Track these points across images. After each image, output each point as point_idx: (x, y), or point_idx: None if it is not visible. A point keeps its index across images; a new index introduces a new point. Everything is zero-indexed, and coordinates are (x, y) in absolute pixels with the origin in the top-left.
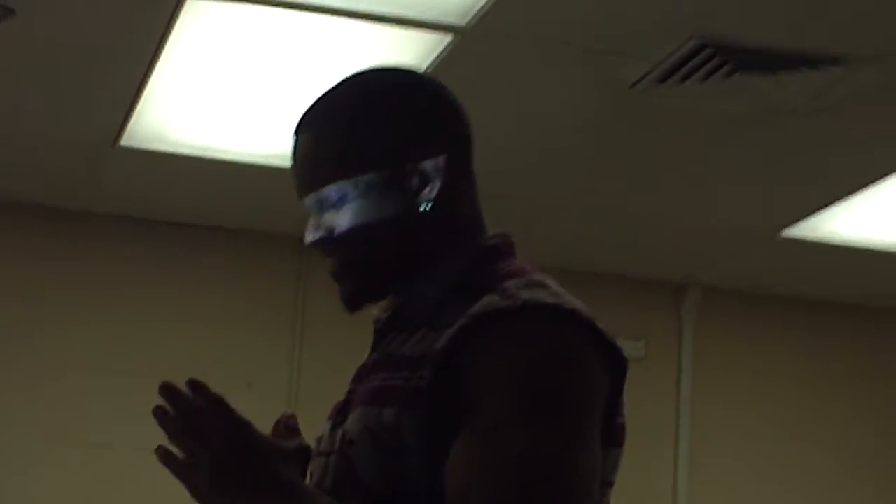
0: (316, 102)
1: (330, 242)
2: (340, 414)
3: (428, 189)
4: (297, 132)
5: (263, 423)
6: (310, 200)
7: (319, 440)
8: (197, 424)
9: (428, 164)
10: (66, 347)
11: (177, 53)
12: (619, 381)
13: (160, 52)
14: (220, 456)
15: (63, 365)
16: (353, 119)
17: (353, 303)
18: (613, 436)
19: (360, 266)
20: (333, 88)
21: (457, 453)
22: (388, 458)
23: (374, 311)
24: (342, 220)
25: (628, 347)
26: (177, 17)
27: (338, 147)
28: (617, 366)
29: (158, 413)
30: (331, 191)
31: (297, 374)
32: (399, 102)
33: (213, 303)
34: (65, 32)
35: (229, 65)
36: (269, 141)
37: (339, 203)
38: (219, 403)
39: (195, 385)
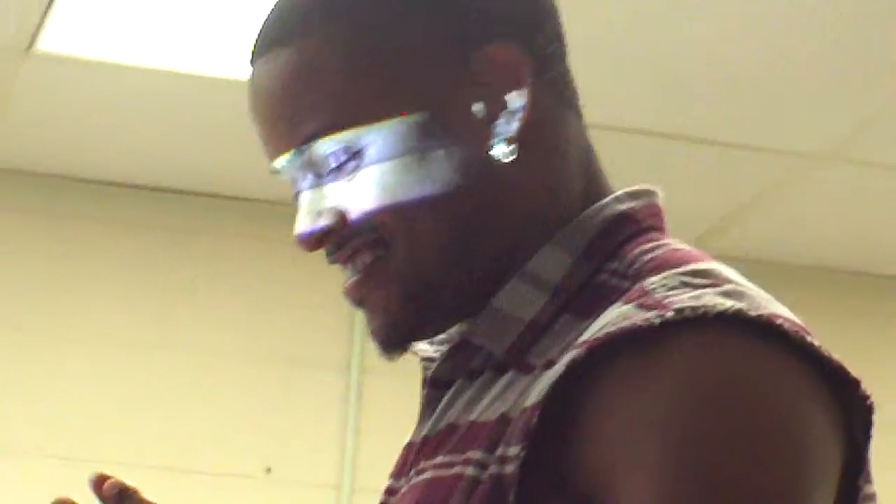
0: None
1: (341, 236)
2: None
3: (505, 125)
4: (261, 50)
5: None
6: (291, 164)
7: None
8: None
9: (499, 82)
10: None
11: None
12: (860, 440)
13: None
14: None
15: None
16: (357, 16)
17: (396, 341)
18: None
19: (401, 276)
20: None
21: None
22: None
23: (422, 345)
24: (360, 196)
25: None
26: None
27: (336, 67)
28: (856, 416)
29: None
30: (330, 147)
31: (352, 447)
32: None
33: (198, 331)
34: None
35: None
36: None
37: (348, 166)
38: None
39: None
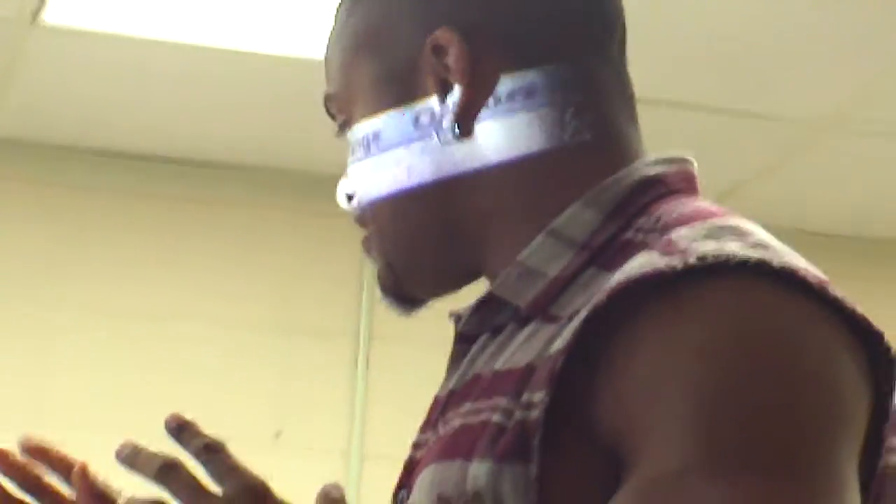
0: None
1: (356, 211)
2: (404, 481)
3: (450, 109)
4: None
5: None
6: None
7: None
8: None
9: (446, 67)
10: None
11: None
12: (883, 391)
13: None
14: None
15: None
16: None
17: (394, 301)
18: (881, 488)
19: (379, 255)
20: None
21: None
22: None
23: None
24: (359, 178)
25: None
26: None
27: (337, 40)
28: (879, 366)
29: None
30: (336, 114)
31: (361, 413)
32: None
33: (207, 300)
34: None
35: None
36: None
37: (359, 146)
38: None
39: (178, 426)
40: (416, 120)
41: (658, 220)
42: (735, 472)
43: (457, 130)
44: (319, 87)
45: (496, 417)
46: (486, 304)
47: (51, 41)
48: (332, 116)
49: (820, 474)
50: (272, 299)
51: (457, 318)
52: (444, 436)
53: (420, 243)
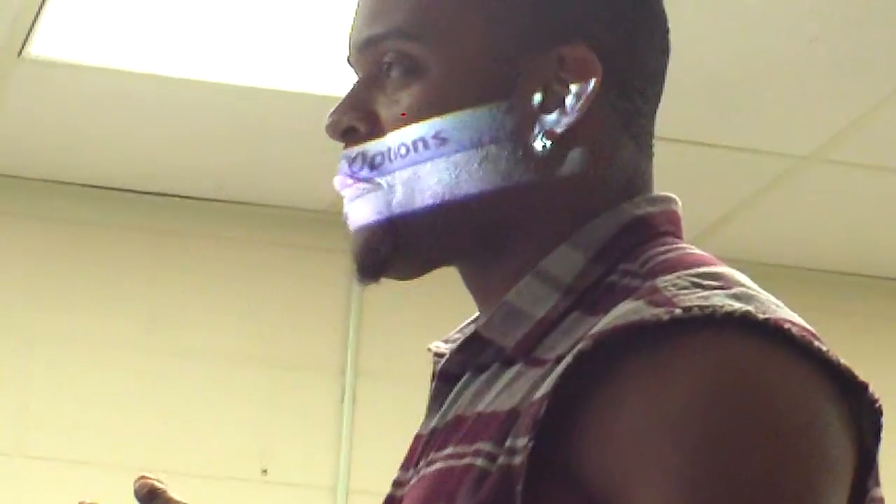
0: None
1: (361, 141)
2: None
3: (554, 119)
4: None
5: None
6: (360, 53)
7: None
8: None
9: (566, 78)
10: None
11: None
12: (869, 445)
13: None
14: None
15: None
16: None
17: (369, 268)
18: None
19: (389, 213)
20: None
21: None
22: None
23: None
24: (394, 118)
25: None
26: None
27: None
28: (865, 420)
29: None
30: (390, 52)
31: (347, 449)
32: None
33: (194, 334)
34: None
35: None
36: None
37: (395, 79)
38: None
39: (148, 493)
40: (500, 124)
41: (643, 264)
42: None
43: (546, 145)
44: (306, 120)
45: (479, 462)
46: (470, 344)
47: (37, 73)
48: (356, 66)
49: None
50: (258, 334)
51: (437, 354)
52: (426, 478)
53: (446, 218)
